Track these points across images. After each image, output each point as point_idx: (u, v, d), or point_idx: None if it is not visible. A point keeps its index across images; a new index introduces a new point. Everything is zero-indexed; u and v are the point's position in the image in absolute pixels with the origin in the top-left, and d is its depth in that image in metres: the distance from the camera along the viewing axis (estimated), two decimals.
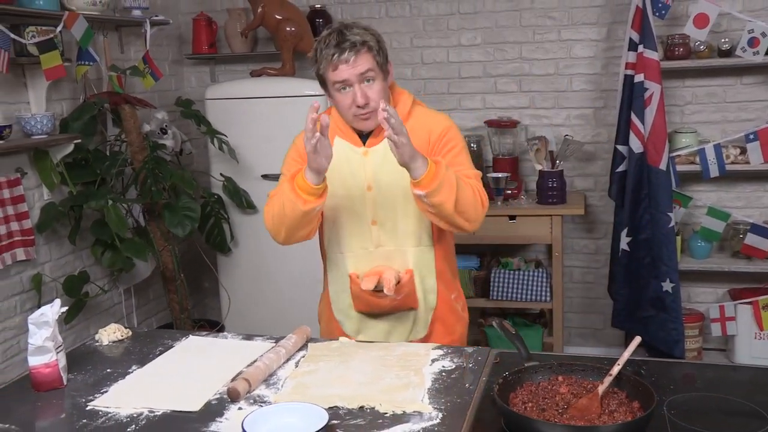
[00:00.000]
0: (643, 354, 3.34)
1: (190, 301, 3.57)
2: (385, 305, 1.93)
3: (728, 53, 3.29)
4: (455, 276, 2.10)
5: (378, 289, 1.89)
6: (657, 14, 3.17)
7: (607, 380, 1.40)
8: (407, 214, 1.91)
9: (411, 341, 1.94)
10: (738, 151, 3.31)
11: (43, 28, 2.79)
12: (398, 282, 1.89)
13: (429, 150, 1.87)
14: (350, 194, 1.92)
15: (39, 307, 2.99)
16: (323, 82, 1.87)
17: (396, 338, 1.97)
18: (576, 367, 1.50)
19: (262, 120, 3.55)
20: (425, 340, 1.98)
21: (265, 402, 1.52)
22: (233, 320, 3.71)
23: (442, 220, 1.81)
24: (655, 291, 3.25)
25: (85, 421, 1.48)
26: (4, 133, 2.68)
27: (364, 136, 1.93)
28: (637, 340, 1.47)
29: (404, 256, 1.93)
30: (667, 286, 3.21)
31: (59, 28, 2.84)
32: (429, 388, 1.55)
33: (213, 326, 3.66)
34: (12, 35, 2.63)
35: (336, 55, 1.78)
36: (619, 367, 1.42)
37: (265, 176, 3.58)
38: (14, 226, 2.87)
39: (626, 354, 1.44)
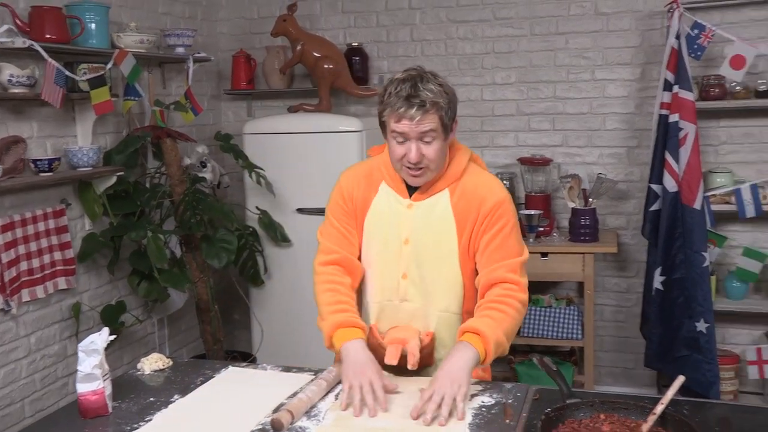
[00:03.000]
0: (677, 395, 3.30)
1: (222, 333, 3.60)
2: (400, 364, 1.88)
3: (765, 94, 3.30)
4: None
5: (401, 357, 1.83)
6: (692, 55, 3.20)
7: (651, 419, 1.40)
8: (439, 276, 1.87)
9: None
10: None
11: (94, 65, 2.89)
12: (421, 348, 1.82)
13: (477, 219, 1.84)
14: (387, 244, 1.90)
15: (77, 335, 3.08)
16: (383, 125, 1.83)
17: None
18: (618, 405, 1.50)
19: (298, 155, 3.61)
20: None
21: None
22: (265, 353, 3.73)
23: None
24: (689, 331, 3.22)
25: None
26: (53, 165, 2.76)
27: (411, 188, 1.89)
28: (681, 379, 1.48)
29: (428, 317, 1.89)
30: (702, 326, 3.18)
31: (109, 65, 2.94)
32: (470, 423, 1.56)
33: (245, 358, 3.68)
34: (67, 73, 2.73)
35: (403, 109, 1.73)
36: (663, 406, 1.41)
37: (300, 210, 3.64)
38: (57, 255, 2.94)
39: (670, 393, 1.44)
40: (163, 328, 3.74)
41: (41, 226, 2.85)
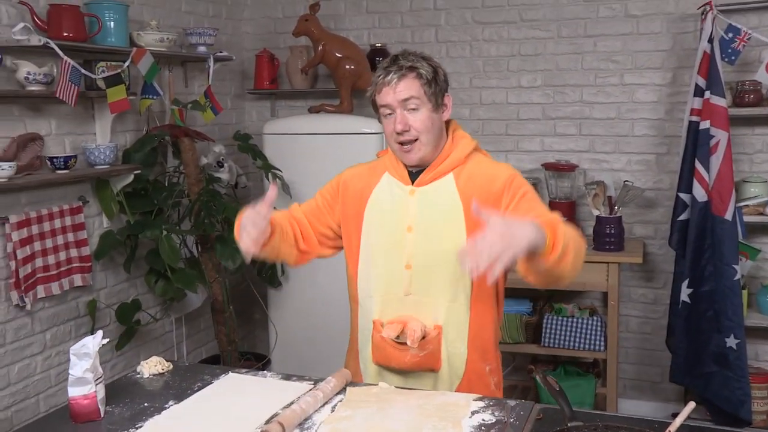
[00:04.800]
0: (704, 413, 3.17)
1: (238, 334, 3.58)
2: (404, 360, 1.80)
3: None
4: (495, 348, 1.90)
5: (400, 341, 1.78)
6: (726, 60, 3.07)
7: None
8: (446, 265, 1.76)
9: None
10: None
11: (113, 63, 2.90)
12: (424, 337, 1.77)
13: (493, 199, 1.73)
14: (388, 233, 1.82)
15: (93, 332, 3.08)
16: (375, 107, 1.82)
17: None
18: (623, 430, 1.42)
19: (318, 156, 3.57)
20: None
21: None
22: (280, 355, 3.70)
23: (553, 280, 1.57)
24: (718, 346, 3.09)
25: None
26: (69, 162, 2.77)
27: (414, 174, 1.83)
28: (691, 405, 1.39)
29: (435, 309, 1.79)
30: (732, 342, 3.05)
31: (127, 63, 2.94)
32: None
33: (260, 359, 3.66)
34: (83, 71, 2.73)
35: (382, 77, 1.74)
36: None
37: None
38: (73, 252, 2.95)
39: (679, 420, 1.35)
40: (180, 327, 3.74)
41: (57, 223, 2.86)
